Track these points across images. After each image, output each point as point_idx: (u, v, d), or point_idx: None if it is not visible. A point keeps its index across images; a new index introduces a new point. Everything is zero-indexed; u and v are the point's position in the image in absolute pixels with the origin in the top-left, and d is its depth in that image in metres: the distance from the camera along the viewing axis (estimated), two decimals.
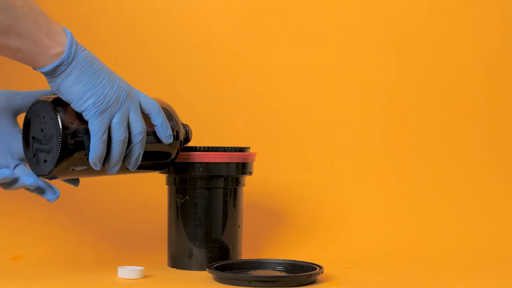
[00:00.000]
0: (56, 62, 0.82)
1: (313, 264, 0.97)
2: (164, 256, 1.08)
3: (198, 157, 1.02)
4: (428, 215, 1.30)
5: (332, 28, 1.35)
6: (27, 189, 0.89)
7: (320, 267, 0.95)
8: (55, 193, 0.90)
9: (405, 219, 1.29)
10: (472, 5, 1.37)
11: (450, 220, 1.29)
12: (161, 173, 1.06)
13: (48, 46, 0.82)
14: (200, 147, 1.03)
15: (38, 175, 0.87)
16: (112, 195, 1.25)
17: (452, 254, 1.20)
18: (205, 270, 0.98)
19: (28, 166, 0.89)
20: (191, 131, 1.03)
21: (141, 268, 0.95)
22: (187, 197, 1.03)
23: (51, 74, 0.83)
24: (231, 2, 1.34)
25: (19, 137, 0.90)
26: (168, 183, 1.06)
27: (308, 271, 0.95)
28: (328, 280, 0.96)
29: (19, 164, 0.90)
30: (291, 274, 0.95)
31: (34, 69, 0.84)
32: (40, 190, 0.89)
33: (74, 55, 0.83)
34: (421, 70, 1.36)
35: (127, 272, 0.94)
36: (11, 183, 0.88)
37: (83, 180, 1.24)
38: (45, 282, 0.93)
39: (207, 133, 1.16)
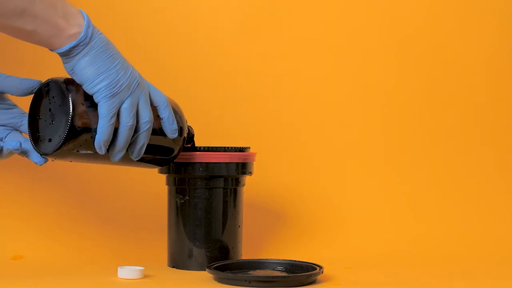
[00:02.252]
0: (73, 43, 0.83)
1: (313, 264, 0.97)
2: (164, 256, 1.08)
3: (198, 157, 1.02)
4: (428, 215, 1.30)
5: (332, 28, 1.35)
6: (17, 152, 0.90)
7: (320, 267, 0.95)
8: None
9: (405, 219, 1.29)
10: (472, 5, 1.37)
11: (450, 220, 1.29)
12: (161, 172, 1.06)
13: (64, 27, 0.83)
14: (200, 147, 1.03)
15: (41, 154, 0.88)
16: (112, 195, 1.25)
17: (452, 254, 1.20)
18: (205, 270, 0.98)
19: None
20: (193, 132, 1.04)
21: (141, 268, 0.95)
22: (187, 197, 1.03)
23: (67, 55, 0.84)
24: (231, 3, 1.34)
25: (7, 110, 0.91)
26: (168, 183, 1.06)
27: (308, 271, 0.95)
28: (328, 280, 0.96)
29: (10, 132, 0.91)
30: (291, 274, 0.95)
31: (51, 50, 0.85)
32: (26, 153, 0.90)
33: (91, 36, 0.84)
34: (421, 70, 1.36)
35: (127, 272, 0.94)
36: (0, 153, 0.89)
37: (83, 179, 1.24)
38: (45, 282, 0.93)
39: (207, 133, 1.16)
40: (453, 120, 1.35)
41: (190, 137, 1.03)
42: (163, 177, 1.08)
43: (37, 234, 1.18)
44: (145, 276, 0.96)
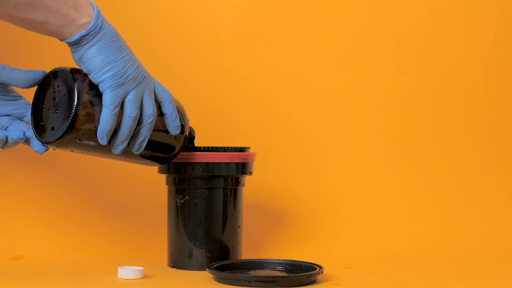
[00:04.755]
0: (83, 32, 0.84)
1: (313, 264, 0.97)
2: (164, 256, 1.08)
3: (198, 157, 1.02)
4: (428, 215, 1.30)
5: (332, 28, 1.35)
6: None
7: (320, 267, 0.95)
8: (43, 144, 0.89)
9: (405, 219, 1.29)
10: (472, 5, 1.37)
11: (450, 220, 1.29)
12: (160, 172, 1.06)
13: (74, 17, 0.84)
14: (200, 147, 1.03)
15: (43, 143, 0.88)
16: (112, 195, 1.25)
17: (452, 254, 1.20)
18: (205, 270, 0.98)
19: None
20: (194, 134, 1.04)
21: (141, 268, 0.95)
22: (187, 197, 1.03)
23: (76, 44, 0.85)
24: (232, 3, 1.34)
25: (11, 103, 0.92)
26: (168, 183, 1.06)
27: (308, 271, 0.95)
28: (328, 280, 0.96)
29: (14, 121, 0.92)
30: (291, 274, 0.95)
31: (61, 40, 0.86)
32: (28, 141, 0.90)
33: (101, 26, 0.85)
34: (421, 70, 1.36)
35: (127, 272, 0.94)
36: (5, 143, 0.89)
37: (82, 180, 1.24)
38: (45, 282, 0.93)
39: (207, 133, 1.16)
40: (453, 119, 1.35)
41: (191, 138, 1.03)
42: (163, 177, 1.08)
43: (37, 234, 1.18)
44: (145, 276, 0.96)
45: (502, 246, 1.24)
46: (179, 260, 1.04)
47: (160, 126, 0.94)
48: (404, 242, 1.24)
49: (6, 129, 0.91)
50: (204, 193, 1.03)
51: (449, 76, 1.36)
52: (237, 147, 1.04)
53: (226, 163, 1.03)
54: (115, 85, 0.86)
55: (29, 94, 0.93)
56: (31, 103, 0.90)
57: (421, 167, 1.33)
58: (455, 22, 1.37)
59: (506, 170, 1.35)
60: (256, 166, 1.10)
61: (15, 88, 0.93)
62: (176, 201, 1.04)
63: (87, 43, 0.85)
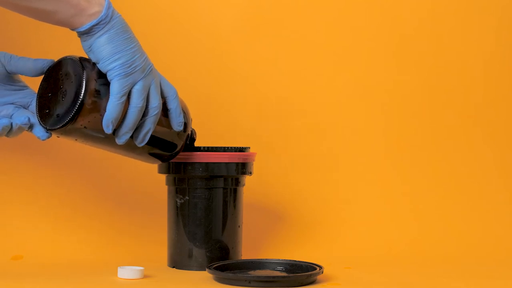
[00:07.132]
0: (94, 21, 0.85)
1: (313, 264, 0.97)
2: (164, 256, 1.08)
3: (198, 157, 1.02)
4: (428, 215, 1.30)
5: (332, 28, 1.35)
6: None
7: (320, 267, 0.95)
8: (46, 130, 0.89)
9: (405, 219, 1.29)
10: (472, 5, 1.37)
11: (450, 220, 1.29)
12: (160, 172, 1.06)
13: (85, 7, 0.85)
14: (200, 147, 1.03)
15: (47, 129, 0.88)
16: (112, 195, 1.25)
17: (452, 254, 1.20)
18: (205, 270, 0.98)
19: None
20: (196, 136, 1.04)
21: (141, 268, 0.95)
22: (187, 197, 1.03)
23: (87, 33, 0.86)
24: (231, 2, 1.34)
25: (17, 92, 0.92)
26: (168, 183, 1.06)
27: (308, 271, 0.95)
28: (328, 280, 0.96)
29: (18, 109, 0.92)
30: (291, 274, 0.95)
31: (71, 29, 0.86)
32: (32, 128, 0.90)
33: (112, 16, 0.86)
34: (421, 70, 1.36)
35: (127, 272, 0.94)
36: (10, 130, 0.89)
37: (82, 179, 1.24)
38: (45, 282, 0.93)
39: (207, 133, 1.16)
40: (454, 119, 1.35)
41: (192, 139, 1.03)
42: (163, 177, 1.08)
43: (37, 234, 1.18)
44: (145, 276, 0.96)
45: (502, 246, 1.24)
46: (179, 260, 1.04)
47: (163, 122, 0.94)
48: (404, 242, 1.24)
49: (11, 117, 0.91)
50: (204, 193, 1.03)
51: (449, 76, 1.36)
52: (237, 147, 1.04)
53: (226, 163, 1.03)
54: (123, 74, 0.86)
55: (34, 84, 0.93)
56: (37, 91, 0.90)
57: (421, 167, 1.34)
58: (455, 22, 1.37)
59: (506, 170, 1.35)
60: (256, 166, 1.10)
61: (21, 77, 0.94)
62: (176, 201, 1.04)
63: (97, 32, 0.86)
